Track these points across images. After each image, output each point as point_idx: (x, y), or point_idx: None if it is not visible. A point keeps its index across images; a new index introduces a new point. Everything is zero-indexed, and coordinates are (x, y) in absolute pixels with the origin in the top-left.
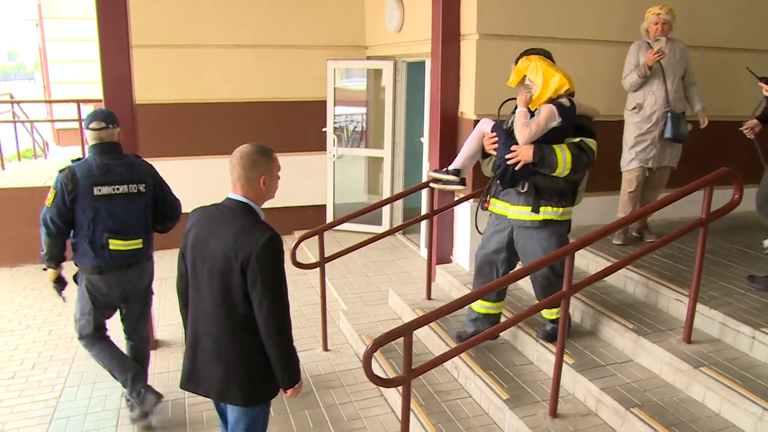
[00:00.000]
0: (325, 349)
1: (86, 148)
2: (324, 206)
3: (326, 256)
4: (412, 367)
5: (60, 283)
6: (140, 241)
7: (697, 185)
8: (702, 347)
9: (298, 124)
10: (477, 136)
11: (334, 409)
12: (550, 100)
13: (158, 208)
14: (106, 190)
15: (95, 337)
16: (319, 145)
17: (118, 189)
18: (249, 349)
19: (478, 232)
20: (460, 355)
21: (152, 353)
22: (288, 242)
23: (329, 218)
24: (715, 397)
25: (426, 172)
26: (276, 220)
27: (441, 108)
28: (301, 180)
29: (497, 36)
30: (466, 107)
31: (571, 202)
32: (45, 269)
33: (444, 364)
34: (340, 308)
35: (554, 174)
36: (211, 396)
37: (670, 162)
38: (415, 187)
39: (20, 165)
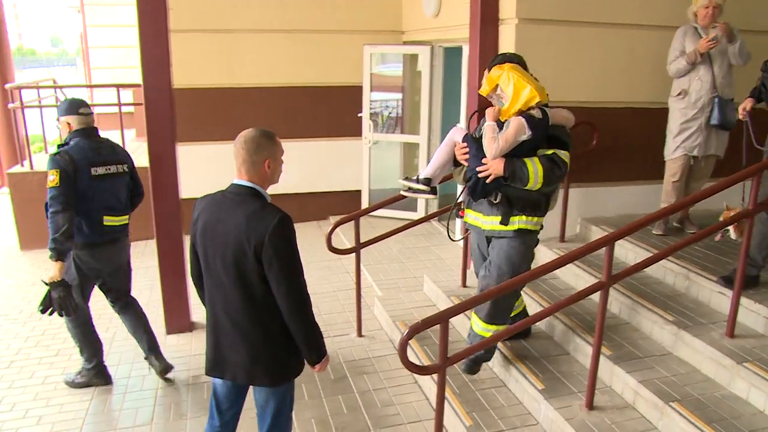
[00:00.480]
0: (360, 334)
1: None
2: (359, 192)
3: (362, 241)
4: (448, 355)
5: (66, 287)
6: (127, 217)
7: (744, 174)
8: (746, 342)
9: (334, 110)
10: (448, 145)
11: (368, 394)
12: (520, 112)
13: (132, 187)
14: (101, 170)
15: (82, 309)
16: (355, 131)
17: (109, 169)
18: (271, 330)
19: (450, 239)
20: (496, 344)
21: (189, 335)
22: (323, 227)
23: (364, 204)
24: (760, 394)
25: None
26: (311, 205)
27: (479, 94)
28: (337, 165)
29: (537, 20)
30: None
31: (544, 213)
32: (46, 283)
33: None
34: (375, 294)
35: (526, 188)
36: (238, 380)
37: (716, 150)
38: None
39: None
